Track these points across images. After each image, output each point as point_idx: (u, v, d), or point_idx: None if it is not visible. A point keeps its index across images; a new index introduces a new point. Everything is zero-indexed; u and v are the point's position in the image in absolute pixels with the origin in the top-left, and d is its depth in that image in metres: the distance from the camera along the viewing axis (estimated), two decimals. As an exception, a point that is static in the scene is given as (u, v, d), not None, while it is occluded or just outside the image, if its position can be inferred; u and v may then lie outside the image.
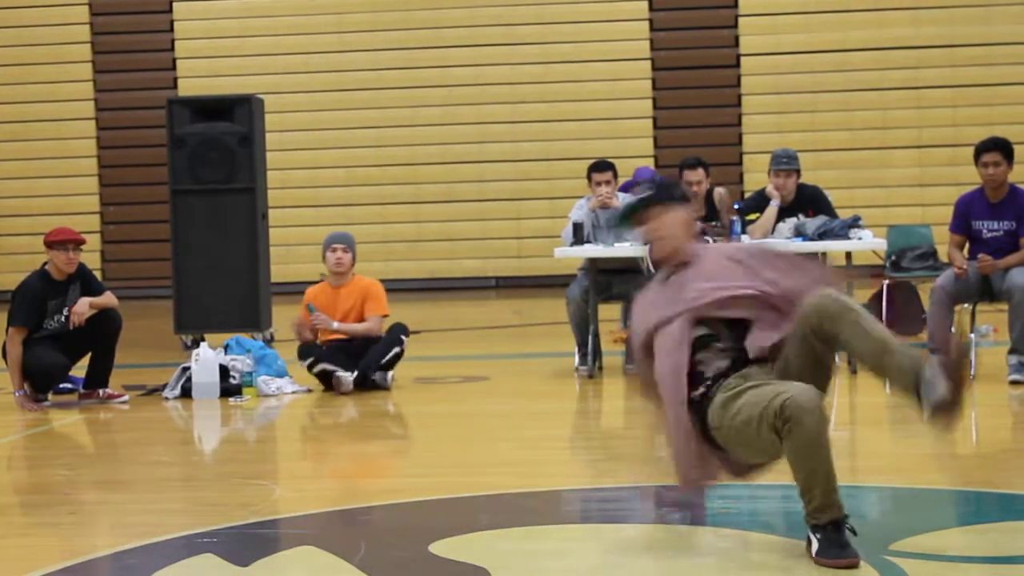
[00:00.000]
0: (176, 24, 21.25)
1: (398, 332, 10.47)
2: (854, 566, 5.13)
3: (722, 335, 5.59)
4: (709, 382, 5.48)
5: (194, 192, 13.03)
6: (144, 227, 20.59)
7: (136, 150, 20.80)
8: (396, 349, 10.37)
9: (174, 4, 21.28)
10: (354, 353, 10.30)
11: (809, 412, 5.16)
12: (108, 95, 21.20)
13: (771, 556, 5.49)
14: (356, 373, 10.16)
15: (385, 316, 10.53)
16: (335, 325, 10.35)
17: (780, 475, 7.00)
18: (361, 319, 10.46)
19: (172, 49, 21.06)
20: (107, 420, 9.71)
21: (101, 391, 10.15)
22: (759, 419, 5.22)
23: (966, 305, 10.08)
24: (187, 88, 20.34)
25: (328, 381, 10.19)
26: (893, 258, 12.81)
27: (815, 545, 5.26)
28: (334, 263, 10.43)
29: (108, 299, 10.13)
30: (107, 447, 9.07)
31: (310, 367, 10.27)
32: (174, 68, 21.02)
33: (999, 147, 9.86)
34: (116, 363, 10.25)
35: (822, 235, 10.43)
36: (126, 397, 10.22)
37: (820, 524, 5.28)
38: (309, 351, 10.32)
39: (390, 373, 10.30)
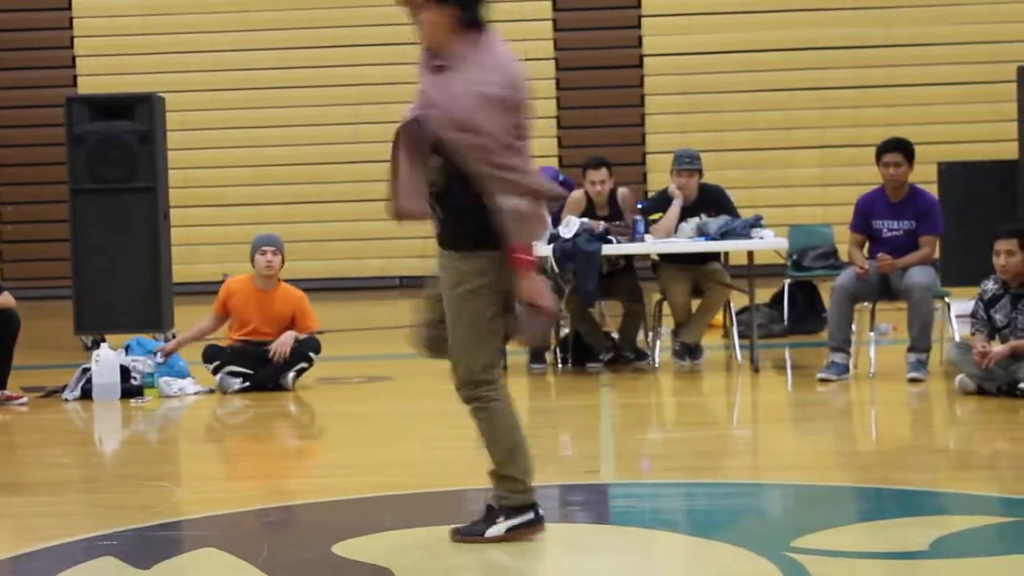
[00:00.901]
0: (76, 21, 21.02)
1: (309, 348, 10.37)
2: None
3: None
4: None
5: (94, 191, 12.89)
6: (43, 227, 20.33)
7: (35, 149, 20.55)
8: (303, 364, 10.31)
9: (73, 1, 21.06)
10: (259, 358, 10.23)
11: None
12: (6, 93, 20.93)
13: (674, 554, 5.54)
14: (247, 384, 10.12)
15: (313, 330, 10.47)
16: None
17: (685, 474, 7.08)
18: (288, 328, 10.35)
19: (72, 46, 20.83)
20: (5, 422, 9.58)
21: (-1, 393, 10.04)
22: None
23: (866, 304, 10.20)
24: (88, 86, 20.11)
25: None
26: (795, 257, 12.92)
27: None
28: (264, 266, 10.31)
29: (5, 299, 9.99)
30: (5, 449, 8.94)
31: (215, 371, 10.20)
32: (74, 66, 20.80)
33: (900, 148, 9.98)
34: (14, 364, 10.13)
35: (724, 235, 10.49)
36: (25, 399, 10.09)
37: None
38: (215, 354, 10.24)
39: (292, 374, 10.24)
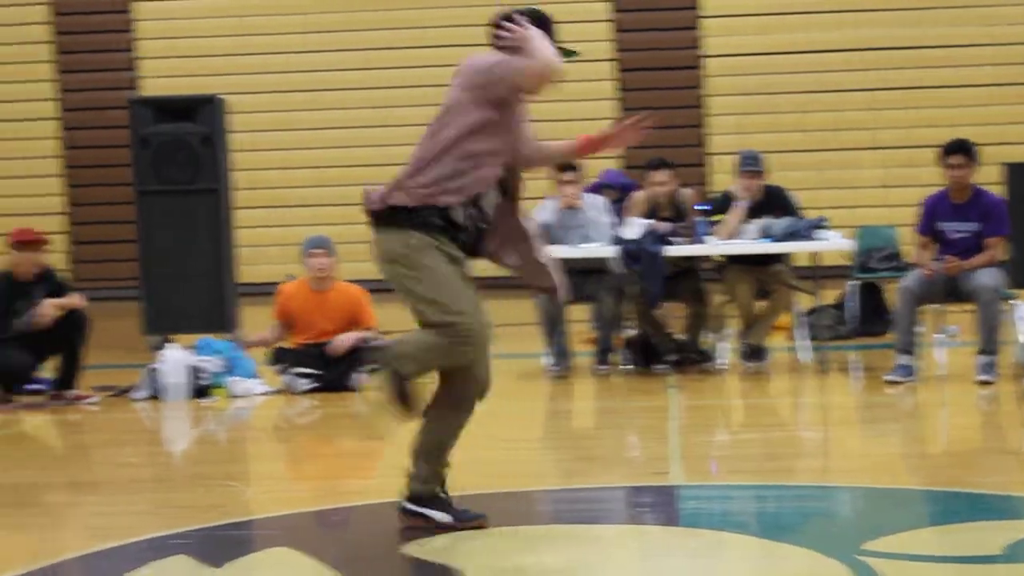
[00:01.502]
0: (138, 24, 21.17)
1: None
2: None
3: None
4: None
5: (159, 193, 12.97)
6: (111, 228, 20.47)
7: (102, 150, 20.71)
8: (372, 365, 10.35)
9: (133, 3, 21.20)
10: (323, 359, 10.28)
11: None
12: (73, 95, 21.10)
13: (743, 556, 5.50)
14: (315, 384, 10.18)
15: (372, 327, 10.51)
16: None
17: (754, 476, 7.05)
18: (349, 327, 10.40)
19: (132, 49, 20.97)
20: (76, 421, 9.69)
21: (70, 392, 10.13)
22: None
23: (933, 305, 10.14)
24: (150, 88, 20.26)
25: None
26: (860, 259, 12.87)
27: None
28: (316, 268, 10.36)
29: (75, 300, 10.10)
30: (76, 448, 9.04)
31: (282, 372, 10.26)
32: (135, 68, 20.94)
33: (964, 149, 9.92)
34: (85, 364, 10.22)
35: (789, 236, 10.48)
36: (95, 398, 10.20)
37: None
38: (282, 357, 10.29)
39: (360, 375, 10.28)
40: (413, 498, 5.86)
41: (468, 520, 5.82)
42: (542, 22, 5.94)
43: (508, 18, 5.82)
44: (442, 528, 5.73)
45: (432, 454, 5.94)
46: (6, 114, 21.17)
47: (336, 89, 21.02)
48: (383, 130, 20.67)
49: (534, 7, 5.95)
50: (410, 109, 20.68)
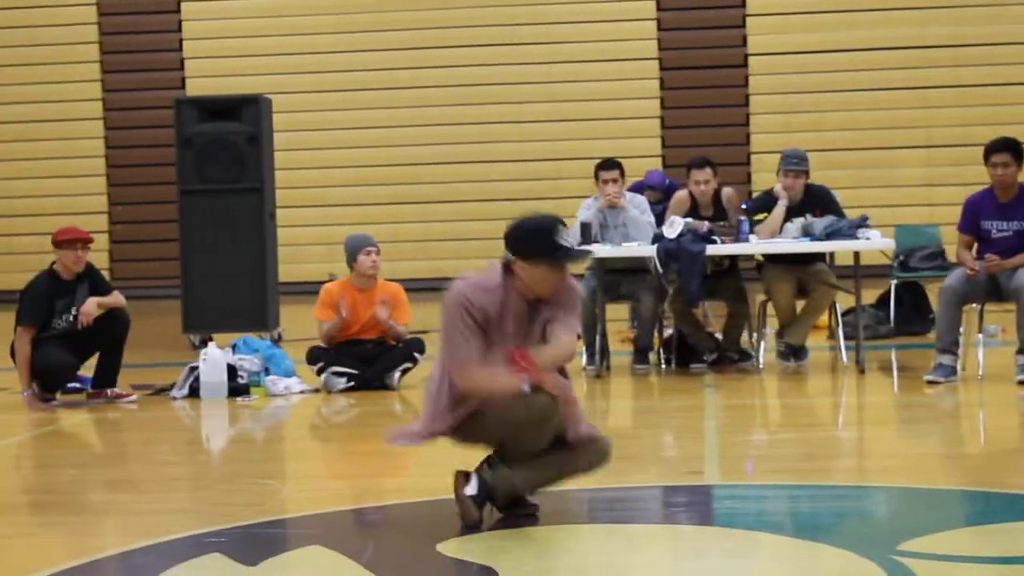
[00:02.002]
0: (184, 24, 21.28)
1: (413, 348, 10.45)
2: None
3: None
4: None
5: (202, 192, 13.04)
6: (152, 227, 20.62)
7: (144, 150, 20.84)
8: (407, 364, 10.39)
9: (182, 4, 21.31)
10: (364, 357, 10.30)
11: None
12: (116, 95, 21.23)
13: (779, 556, 5.48)
14: (353, 383, 10.20)
15: (407, 323, 10.53)
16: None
17: (790, 476, 7.02)
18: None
19: (180, 49, 21.08)
20: (115, 420, 9.72)
21: (109, 391, 10.17)
22: None
23: (974, 305, 10.08)
24: (195, 88, 20.37)
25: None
26: (901, 258, 12.83)
27: None
28: (370, 266, 10.36)
29: (116, 299, 10.15)
30: (115, 447, 9.08)
31: (319, 372, 10.28)
32: (182, 68, 21.06)
33: (1009, 148, 9.84)
34: (124, 363, 10.28)
35: (830, 235, 10.44)
36: (134, 397, 10.24)
37: None
38: (319, 356, 10.32)
39: (397, 373, 10.30)
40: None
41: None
42: (540, 233, 5.83)
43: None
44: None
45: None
46: (52, 114, 21.34)
47: (373, 89, 21.09)
48: (419, 129, 20.74)
49: (536, 220, 5.90)
50: (443, 109, 20.77)
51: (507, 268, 5.87)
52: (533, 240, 5.80)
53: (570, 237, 5.88)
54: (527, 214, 5.97)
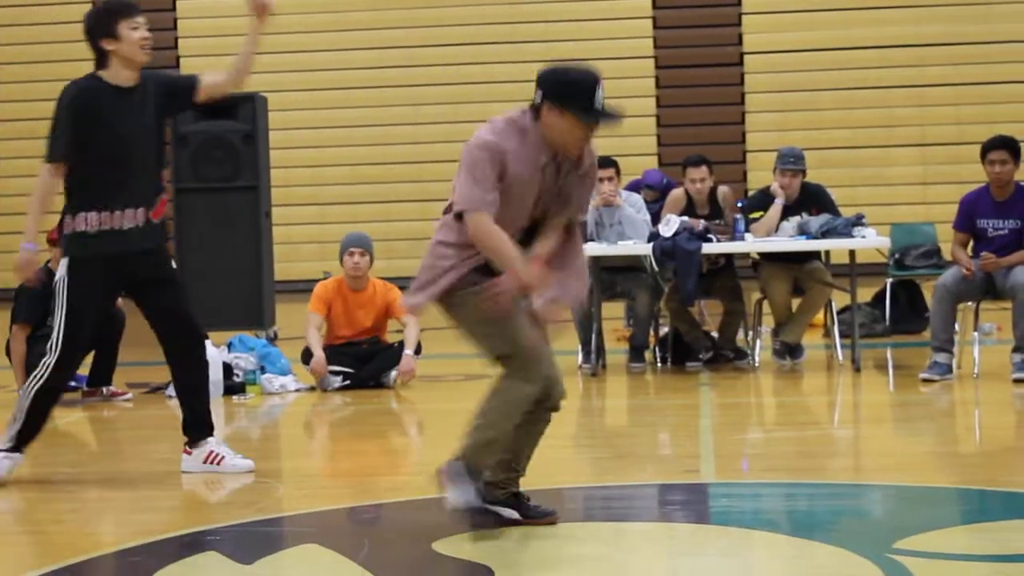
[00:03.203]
0: (179, 22, 21.27)
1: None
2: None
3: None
4: None
5: (197, 190, 13.03)
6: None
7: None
8: None
9: (177, 2, 21.30)
10: (360, 357, 10.30)
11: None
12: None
13: (774, 555, 5.49)
14: (348, 381, 10.19)
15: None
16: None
17: (786, 474, 7.04)
18: (383, 324, 10.44)
19: (176, 47, 21.08)
20: (111, 418, 9.74)
21: (105, 389, 10.18)
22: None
23: (969, 303, 10.10)
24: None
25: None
26: (897, 256, 12.84)
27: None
28: (351, 267, 10.37)
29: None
30: (110, 445, 9.08)
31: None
32: (178, 66, 21.04)
33: (1006, 146, 9.86)
34: (119, 361, 10.27)
35: (825, 233, 10.46)
36: (130, 395, 10.25)
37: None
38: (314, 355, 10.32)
39: (393, 372, 10.30)
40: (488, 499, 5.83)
41: (539, 516, 5.87)
42: (582, 85, 5.62)
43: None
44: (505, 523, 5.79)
45: (507, 461, 5.90)
46: (49, 113, 21.28)
47: (368, 87, 21.09)
48: (414, 128, 20.73)
49: (569, 68, 5.74)
50: (438, 107, 20.76)
51: (535, 112, 5.61)
52: (572, 89, 5.56)
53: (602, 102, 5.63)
54: (570, 62, 5.83)
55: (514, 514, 5.80)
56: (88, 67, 7.29)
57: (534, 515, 5.84)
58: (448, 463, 5.72)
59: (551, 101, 5.54)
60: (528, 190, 5.60)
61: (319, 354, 10.21)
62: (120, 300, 10.19)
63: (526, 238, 5.73)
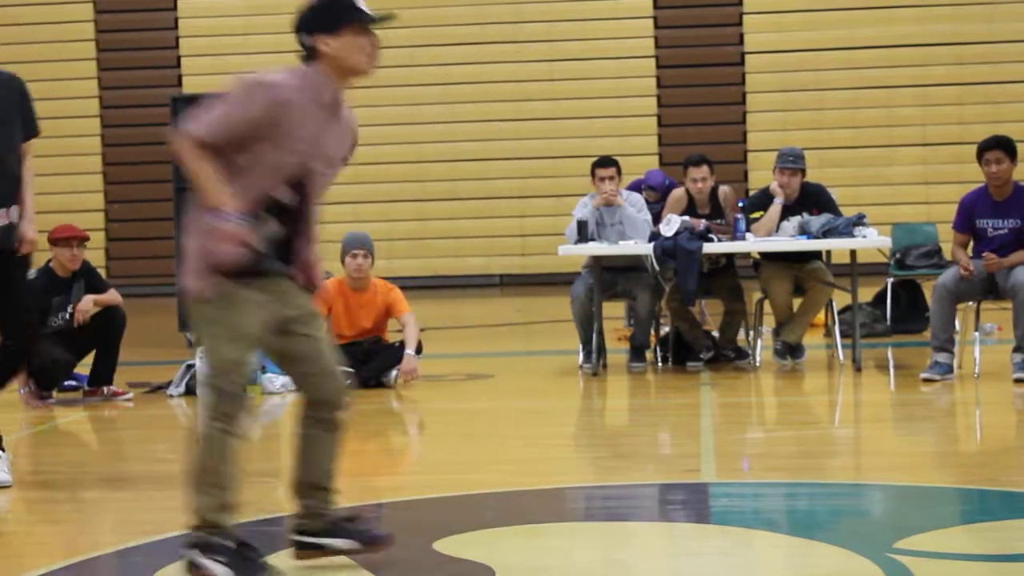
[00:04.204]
0: (180, 22, 21.28)
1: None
2: None
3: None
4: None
5: (199, 190, 13.04)
6: (148, 224, 20.63)
7: (141, 147, 20.84)
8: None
9: (178, 1, 21.32)
10: (360, 356, 10.31)
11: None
12: (112, 92, 21.23)
13: (775, 554, 5.50)
14: (349, 381, 10.18)
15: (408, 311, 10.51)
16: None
17: (786, 474, 7.04)
18: (383, 324, 10.45)
19: (177, 47, 21.09)
20: (111, 417, 9.75)
21: (105, 388, 10.18)
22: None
23: (970, 303, 10.10)
24: (191, 86, 20.37)
25: None
26: (898, 256, 12.85)
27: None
28: (354, 269, 10.36)
29: (112, 296, 10.18)
30: (111, 444, 9.11)
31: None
32: (178, 66, 21.06)
33: (1001, 145, 9.85)
34: (120, 360, 10.29)
35: (826, 233, 10.46)
36: (130, 394, 10.27)
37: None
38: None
39: (394, 372, 10.31)
40: (307, 531, 5.41)
41: (372, 542, 5.39)
42: (332, 4, 5.29)
43: None
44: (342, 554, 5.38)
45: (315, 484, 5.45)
46: (48, 112, 21.28)
47: (369, 86, 21.06)
48: (416, 127, 20.75)
49: None
50: (440, 106, 20.78)
51: (308, 59, 5.26)
52: (334, 7, 5.27)
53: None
54: None
55: (348, 543, 5.35)
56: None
57: (366, 540, 5.37)
58: (185, 542, 5.25)
59: (324, 32, 5.22)
60: (307, 135, 5.21)
61: None
62: (120, 300, 10.23)
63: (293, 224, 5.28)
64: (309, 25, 5.27)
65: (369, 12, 5.28)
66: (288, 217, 5.25)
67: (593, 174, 11.18)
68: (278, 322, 5.22)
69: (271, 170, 5.15)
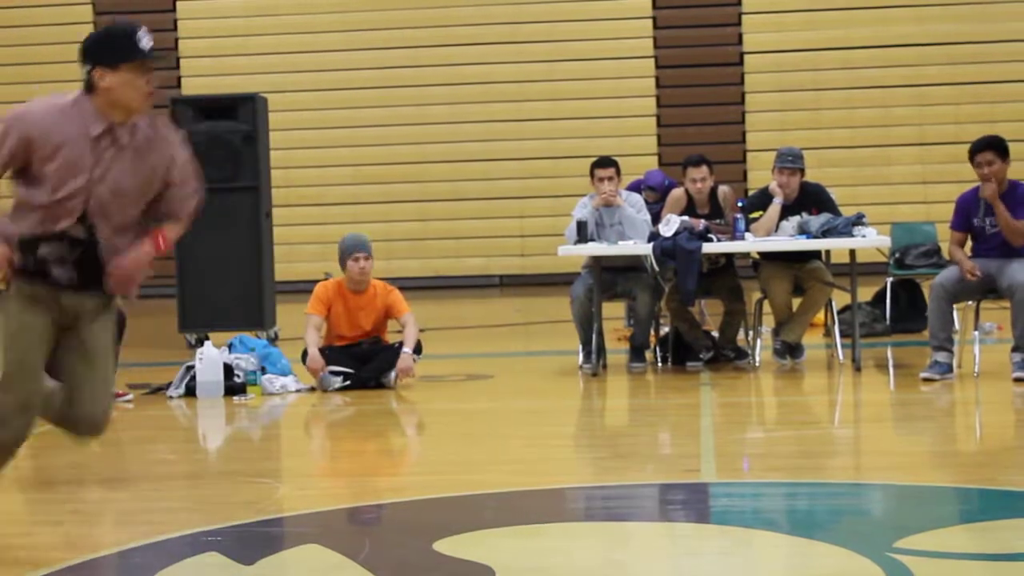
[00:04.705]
0: (180, 23, 21.29)
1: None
2: None
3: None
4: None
5: (198, 191, 13.04)
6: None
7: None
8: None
9: (178, 3, 21.32)
10: (360, 357, 10.32)
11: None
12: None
13: (775, 554, 5.51)
14: (349, 382, 10.19)
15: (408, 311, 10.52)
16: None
17: (786, 473, 7.05)
18: (383, 325, 10.46)
19: (176, 48, 21.09)
20: (112, 418, 9.66)
21: (106, 390, 10.17)
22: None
23: (970, 303, 10.11)
24: (191, 87, 20.37)
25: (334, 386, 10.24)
26: (897, 255, 12.85)
27: None
28: (358, 272, 10.35)
29: (112, 298, 10.14)
30: (112, 445, 9.00)
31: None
32: (178, 67, 21.06)
33: (992, 146, 9.85)
34: (120, 362, 10.22)
35: (826, 233, 10.47)
36: (130, 396, 10.26)
37: None
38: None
39: (393, 372, 10.31)
40: None
41: None
42: (123, 34, 5.42)
43: None
44: None
45: None
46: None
47: (370, 87, 21.10)
48: (417, 128, 20.75)
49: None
50: (441, 107, 20.78)
51: (88, 87, 5.39)
52: (116, 42, 5.37)
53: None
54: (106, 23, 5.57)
55: None
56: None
57: None
58: None
59: (102, 65, 5.33)
60: (79, 166, 5.30)
61: (313, 352, 10.22)
62: (121, 301, 10.20)
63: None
64: (90, 56, 5.38)
65: (148, 51, 5.34)
66: (82, 244, 5.40)
67: (592, 175, 11.19)
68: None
69: (44, 200, 5.28)
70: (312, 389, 10.30)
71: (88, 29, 21.41)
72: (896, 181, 20.41)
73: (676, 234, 10.42)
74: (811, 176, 11.25)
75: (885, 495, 6.53)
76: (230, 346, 10.56)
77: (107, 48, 5.36)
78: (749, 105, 20.85)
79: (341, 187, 20.86)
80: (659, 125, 20.83)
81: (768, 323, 11.22)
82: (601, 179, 11.09)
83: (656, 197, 12.65)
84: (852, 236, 10.46)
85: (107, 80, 5.32)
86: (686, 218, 10.61)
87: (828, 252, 11.05)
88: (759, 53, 20.80)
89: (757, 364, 10.82)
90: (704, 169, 11.04)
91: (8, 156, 5.28)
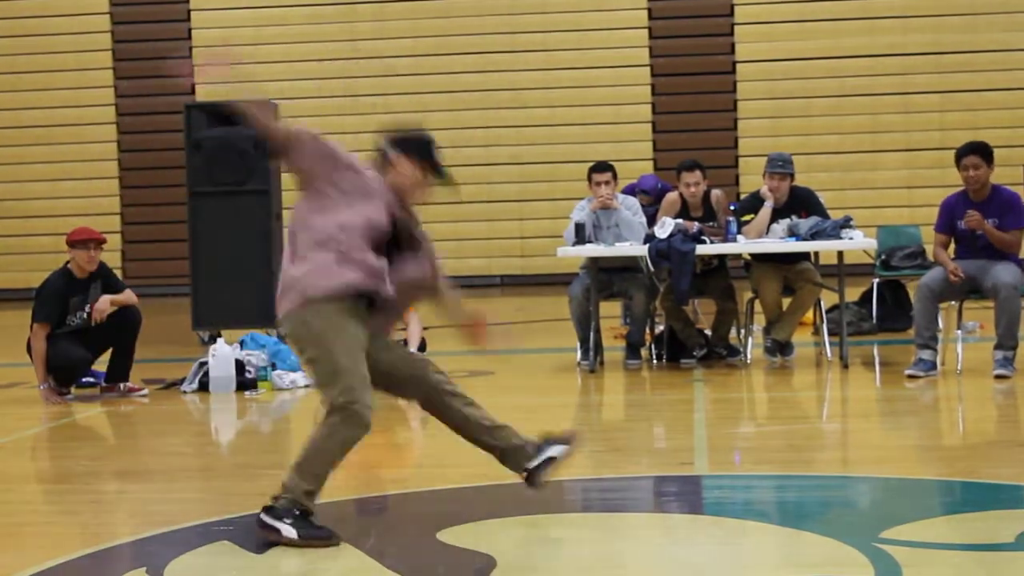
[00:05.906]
0: (194, 32, 21.44)
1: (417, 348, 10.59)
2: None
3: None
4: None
5: (211, 194, 13.16)
6: (163, 227, 20.77)
7: (155, 153, 21.00)
8: None
9: (192, 13, 21.47)
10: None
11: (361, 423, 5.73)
12: (129, 101, 21.39)
13: (765, 544, 5.60)
14: None
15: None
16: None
17: (776, 467, 7.16)
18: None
19: (190, 56, 21.25)
20: (127, 413, 9.82)
21: (122, 385, 10.31)
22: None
23: (953, 302, 10.23)
24: (204, 94, 20.53)
25: None
26: (883, 257, 12.93)
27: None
28: None
29: (128, 296, 10.28)
30: (127, 439, 9.16)
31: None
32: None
33: (977, 151, 9.96)
34: (136, 358, 10.37)
35: (814, 235, 10.56)
36: (146, 391, 10.38)
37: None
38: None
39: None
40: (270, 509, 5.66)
41: (317, 538, 5.60)
42: (430, 144, 6.16)
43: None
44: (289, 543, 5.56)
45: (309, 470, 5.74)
46: (66, 119, 21.48)
47: (375, 94, 21.24)
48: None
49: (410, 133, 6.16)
50: (443, 114, 20.91)
51: (382, 163, 6.04)
52: (422, 146, 6.09)
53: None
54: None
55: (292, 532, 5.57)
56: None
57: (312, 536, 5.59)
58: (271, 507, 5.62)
59: (404, 152, 6.08)
60: (375, 216, 5.94)
61: None
62: (136, 300, 10.40)
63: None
64: (400, 142, 6.16)
65: (442, 166, 6.14)
66: None
67: (590, 179, 11.27)
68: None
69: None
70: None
71: (105, 39, 21.55)
72: (882, 186, 20.54)
73: (671, 236, 10.50)
74: (800, 181, 11.38)
75: (871, 487, 6.59)
76: (241, 343, 10.66)
77: (416, 144, 6.19)
78: (741, 112, 20.98)
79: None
80: (654, 131, 20.95)
81: (759, 322, 11.27)
82: (598, 183, 11.19)
83: (649, 200, 12.72)
84: (840, 238, 10.56)
85: (402, 166, 6.10)
86: (680, 221, 10.71)
87: (817, 254, 11.14)
88: (751, 62, 20.95)
89: (748, 361, 10.92)
90: (697, 173, 11.13)
91: (338, 157, 6.22)
